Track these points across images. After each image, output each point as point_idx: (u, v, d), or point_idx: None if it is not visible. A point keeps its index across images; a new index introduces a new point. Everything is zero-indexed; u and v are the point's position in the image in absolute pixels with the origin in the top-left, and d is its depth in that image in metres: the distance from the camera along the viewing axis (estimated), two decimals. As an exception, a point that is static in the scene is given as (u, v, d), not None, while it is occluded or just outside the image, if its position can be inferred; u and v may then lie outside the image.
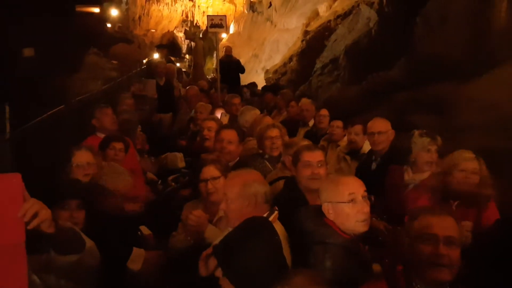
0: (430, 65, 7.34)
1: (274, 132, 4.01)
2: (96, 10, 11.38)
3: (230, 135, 3.91)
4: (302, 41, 12.01)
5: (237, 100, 6.57)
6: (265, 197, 2.43)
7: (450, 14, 7.53)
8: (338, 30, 10.87)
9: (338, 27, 11.02)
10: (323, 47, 11.08)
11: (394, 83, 8.16)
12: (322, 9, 13.07)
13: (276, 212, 2.34)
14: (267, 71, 13.32)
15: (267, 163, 3.89)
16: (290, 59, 12.46)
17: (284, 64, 12.66)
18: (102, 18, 14.88)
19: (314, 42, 11.45)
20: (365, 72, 9.22)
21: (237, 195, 2.37)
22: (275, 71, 12.82)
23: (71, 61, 9.09)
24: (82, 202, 2.42)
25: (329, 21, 11.50)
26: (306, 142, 3.55)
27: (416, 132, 3.41)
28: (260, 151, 4.10)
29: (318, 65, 10.77)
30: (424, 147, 3.30)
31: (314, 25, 12.19)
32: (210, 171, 3.02)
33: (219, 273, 1.75)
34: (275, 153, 3.91)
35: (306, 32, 12.14)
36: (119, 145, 4.12)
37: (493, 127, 5.84)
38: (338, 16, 11.44)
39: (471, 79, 6.47)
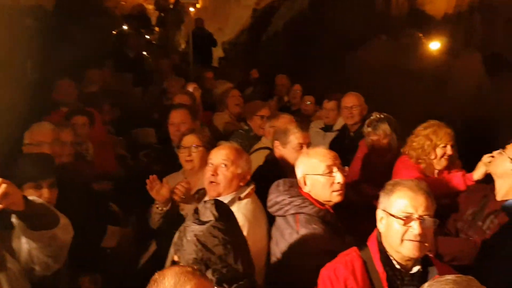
0: (340, 39, 9.72)
1: (266, 112, 4.02)
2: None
3: (181, 116, 3.68)
4: (252, 17, 14.09)
5: (210, 74, 6.52)
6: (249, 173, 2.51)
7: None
8: (281, 9, 12.96)
9: (281, 7, 13.11)
10: (269, 23, 13.15)
11: (317, 54, 10.47)
12: (272, -10, 14.90)
13: (252, 185, 2.47)
14: (223, 43, 15.18)
15: (247, 140, 3.88)
16: (242, 32, 14.37)
17: (237, 37, 14.53)
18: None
19: (261, 18, 13.44)
20: (297, 45, 11.44)
21: (236, 161, 2.42)
22: (229, 43, 14.71)
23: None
24: (54, 181, 2.32)
25: (274, 1, 13.55)
26: (286, 115, 3.58)
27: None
28: (246, 128, 4.08)
29: (264, 38, 12.88)
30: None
31: (262, 4, 14.18)
32: (192, 139, 2.98)
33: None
34: (262, 133, 3.82)
35: (255, 10, 14.19)
36: (82, 119, 3.84)
37: (371, 84, 8.27)
38: (282, -3, 13.45)
39: (360, 48, 8.91)
